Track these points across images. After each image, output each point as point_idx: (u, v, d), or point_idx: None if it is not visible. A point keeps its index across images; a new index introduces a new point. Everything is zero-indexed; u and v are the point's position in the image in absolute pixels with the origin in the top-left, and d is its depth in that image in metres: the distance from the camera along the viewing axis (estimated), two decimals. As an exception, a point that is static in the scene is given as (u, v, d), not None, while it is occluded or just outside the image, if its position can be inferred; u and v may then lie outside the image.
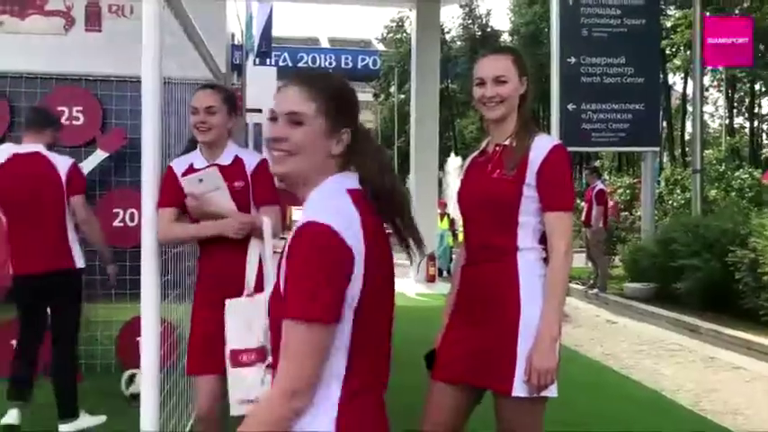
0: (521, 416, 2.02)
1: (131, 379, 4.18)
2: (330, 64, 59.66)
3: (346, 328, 1.22)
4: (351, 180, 1.33)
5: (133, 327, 4.53)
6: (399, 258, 1.43)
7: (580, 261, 11.57)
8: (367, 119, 56.78)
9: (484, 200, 2.09)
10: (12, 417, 3.71)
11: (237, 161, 2.69)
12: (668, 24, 16.38)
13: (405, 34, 39.39)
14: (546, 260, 2.05)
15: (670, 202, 11.95)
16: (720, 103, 35.75)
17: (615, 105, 10.64)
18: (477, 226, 2.13)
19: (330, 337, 1.20)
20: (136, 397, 4.08)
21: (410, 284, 9.85)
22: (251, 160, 2.72)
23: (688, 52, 19.24)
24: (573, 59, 10.58)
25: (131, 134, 4.79)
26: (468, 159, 2.29)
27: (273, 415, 1.20)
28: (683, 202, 11.76)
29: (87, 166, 4.72)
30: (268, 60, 21.72)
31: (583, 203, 9.68)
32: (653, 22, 11.00)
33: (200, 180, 2.55)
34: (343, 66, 64.95)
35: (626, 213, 12.14)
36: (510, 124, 2.13)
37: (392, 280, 1.36)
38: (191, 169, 2.63)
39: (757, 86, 33.96)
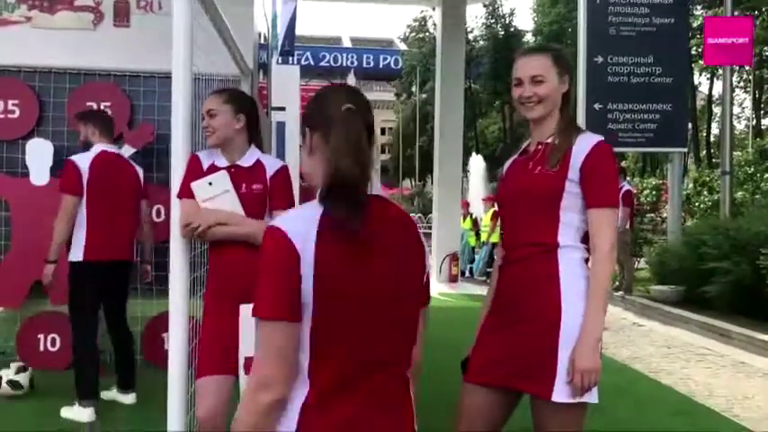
0: (560, 422, 1.95)
1: (21, 369, 4.29)
2: (352, 63, 59.88)
3: (306, 330, 1.27)
4: None
5: (159, 323, 4.54)
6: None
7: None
8: (389, 118, 56.79)
9: (523, 195, 2.04)
10: (89, 415, 3.80)
11: (258, 164, 2.67)
12: (695, 24, 16.11)
13: (427, 33, 39.31)
14: (589, 261, 1.99)
15: (697, 204, 11.77)
16: (747, 104, 35.27)
17: (642, 105, 10.48)
18: (515, 223, 2.08)
19: (286, 335, 1.25)
20: (14, 384, 4.20)
21: (432, 285, 9.72)
22: (272, 165, 2.70)
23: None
24: (600, 58, 10.43)
25: (159, 130, 4.78)
26: (509, 161, 2.24)
27: (247, 410, 1.26)
28: (710, 204, 11.57)
29: (115, 161, 4.72)
30: (291, 59, 21.76)
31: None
32: (681, 21, 10.82)
33: (210, 183, 2.52)
34: (364, 65, 65.06)
35: (652, 215, 11.97)
36: (551, 123, 2.09)
37: (382, 301, 1.33)
38: (213, 167, 2.61)
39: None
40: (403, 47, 48.65)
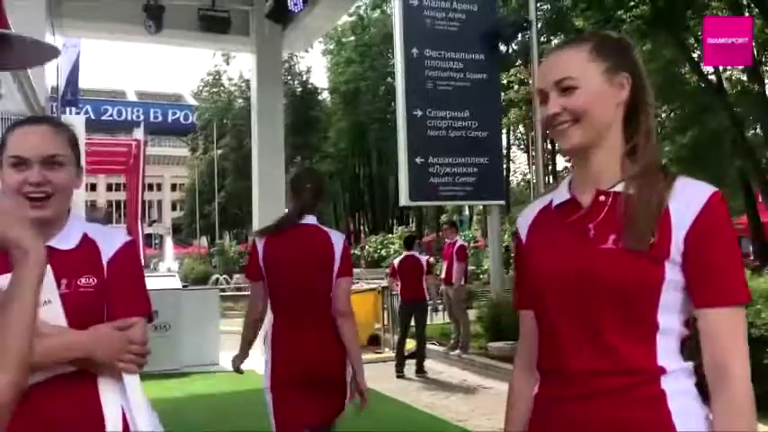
0: None
1: None
2: (138, 117, 56.79)
3: None
4: None
5: None
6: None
7: (439, 318, 11.14)
8: (180, 174, 54.17)
9: (589, 285, 1.25)
10: None
11: (87, 243, 1.60)
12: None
13: (222, 88, 38.23)
14: (698, 386, 1.25)
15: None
16: (522, 160, 38.75)
17: (461, 159, 10.49)
18: (572, 329, 1.28)
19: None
20: None
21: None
22: (108, 242, 1.63)
23: (524, 108, 20.29)
24: (419, 112, 10.28)
25: None
26: (534, 210, 1.45)
27: None
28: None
29: None
30: (73, 109, 19.80)
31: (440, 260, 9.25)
32: (493, 77, 11.12)
33: None
34: (152, 119, 62.20)
35: (472, 267, 11.99)
36: (611, 157, 1.32)
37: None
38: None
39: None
40: (193, 101, 46.99)
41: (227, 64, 37.14)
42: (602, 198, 1.30)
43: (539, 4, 11.23)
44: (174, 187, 62.80)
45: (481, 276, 12.41)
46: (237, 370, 3.11)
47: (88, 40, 12.89)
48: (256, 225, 10.58)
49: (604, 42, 1.34)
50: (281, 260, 2.90)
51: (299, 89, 36.98)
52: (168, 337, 7.91)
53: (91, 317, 1.51)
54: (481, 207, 22.47)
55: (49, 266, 1.48)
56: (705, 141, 19.33)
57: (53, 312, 1.46)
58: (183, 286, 11.23)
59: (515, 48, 20.36)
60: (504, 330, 8.67)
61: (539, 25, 11.28)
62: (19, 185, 1.50)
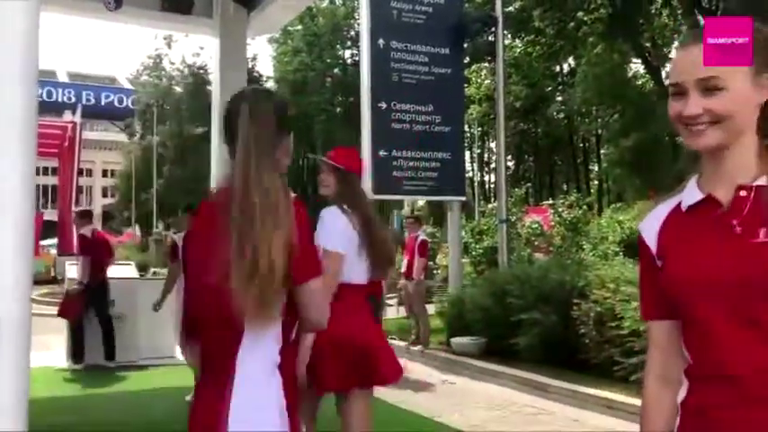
0: None
1: None
2: (70, 99, 54.50)
3: None
4: None
5: None
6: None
7: (393, 312, 11.08)
8: (113, 160, 52.41)
9: (756, 282, 1.19)
10: None
11: None
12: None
13: (163, 72, 37.08)
14: None
15: (472, 252, 12.08)
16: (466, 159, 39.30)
17: (424, 153, 10.44)
18: (741, 330, 1.21)
19: None
20: None
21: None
22: None
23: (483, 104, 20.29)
24: (384, 105, 10.18)
25: None
26: (659, 216, 1.37)
27: None
28: (480, 251, 11.89)
29: None
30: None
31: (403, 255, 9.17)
32: (457, 72, 11.11)
33: None
34: (85, 102, 59.87)
35: (431, 263, 11.98)
36: (746, 153, 1.27)
37: None
38: None
39: (493, 145, 38.04)
40: (128, 85, 45.51)
41: (169, 48, 36.16)
42: (743, 193, 1.24)
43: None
44: (105, 173, 60.84)
45: (435, 272, 12.40)
46: None
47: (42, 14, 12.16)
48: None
49: (755, 39, 1.27)
50: None
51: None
52: (124, 328, 7.58)
53: None
54: (420, 203, 22.48)
55: None
56: (649, 144, 19.98)
57: None
58: (140, 275, 10.77)
59: (470, 44, 20.43)
60: (467, 326, 8.68)
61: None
62: None
